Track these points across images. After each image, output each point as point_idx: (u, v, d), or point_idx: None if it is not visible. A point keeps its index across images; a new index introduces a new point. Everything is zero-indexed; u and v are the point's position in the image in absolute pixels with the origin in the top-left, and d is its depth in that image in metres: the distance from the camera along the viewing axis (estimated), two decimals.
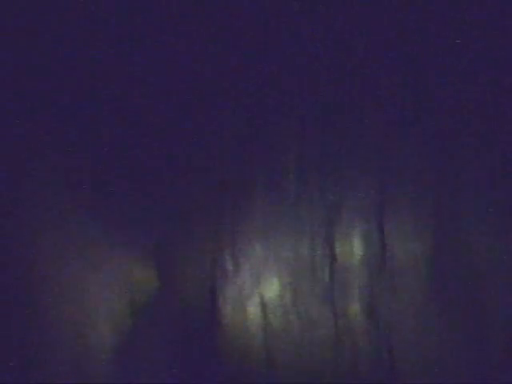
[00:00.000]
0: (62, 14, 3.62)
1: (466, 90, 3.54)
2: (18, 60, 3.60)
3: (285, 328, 3.53)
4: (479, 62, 3.55)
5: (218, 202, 3.60)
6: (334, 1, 3.60)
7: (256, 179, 3.60)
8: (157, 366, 3.53)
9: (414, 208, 3.52)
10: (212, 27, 3.66)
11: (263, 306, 3.58)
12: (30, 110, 3.60)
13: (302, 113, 3.60)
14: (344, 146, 3.58)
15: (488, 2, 3.59)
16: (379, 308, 3.52)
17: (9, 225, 3.44)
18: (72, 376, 3.43)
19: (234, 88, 3.62)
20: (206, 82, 3.61)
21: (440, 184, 3.53)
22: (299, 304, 3.56)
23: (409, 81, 3.58)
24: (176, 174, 3.62)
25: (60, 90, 3.62)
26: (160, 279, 3.59)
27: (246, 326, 3.56)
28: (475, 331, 3.44)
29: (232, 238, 3.59)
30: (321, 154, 3.59)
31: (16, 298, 3.43)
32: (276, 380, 3.46)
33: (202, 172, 3.61)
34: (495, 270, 3.46)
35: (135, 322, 3.54)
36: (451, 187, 3.53)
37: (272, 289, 3.58)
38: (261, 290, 3.59)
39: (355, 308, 3.53)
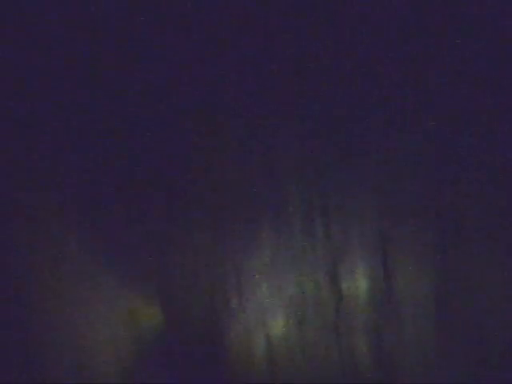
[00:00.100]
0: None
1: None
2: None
3: (291, 363, 3.56)
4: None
5: (224, 239, 3.61)
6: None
7: (262, 217, 3.62)
8: None
9: (417, 246, 3.55)
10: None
11: (269, 343, 3.61)
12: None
13: (307, 158, 3.62)
14: (348, 185, 3.60)
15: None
16: (384, 343, 3.55)
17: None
18: None
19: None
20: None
21: (442, 220, 3.55)
22: (305, 340, 3.58)
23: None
24: (182, 215, 3.63)
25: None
26: (164, 316, 3.61)
27: (252, 362, 3.59)
28: (478, 364, 3.47)
29: (238, 276, 3.61)
30: (326, 193, 3.61)
31: (17, 357, 3.47)
32: None
33: (208, 212, 3.62)
34: (497, 303, 3.49)
35: (139, 358, 3.57)
36: (453, 224, 3.55)
37: (278, 326, 3.61)
38: (266, 328, 3.61)
39: (360, 343, 3.56)
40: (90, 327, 3.55)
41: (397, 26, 3.60)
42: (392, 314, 3.56)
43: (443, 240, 3.54)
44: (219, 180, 3.61)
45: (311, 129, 3.61)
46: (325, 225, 3.58)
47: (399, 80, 3.60)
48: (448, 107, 3.57)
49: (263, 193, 3.60)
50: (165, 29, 3.65)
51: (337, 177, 3.58)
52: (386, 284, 3.56)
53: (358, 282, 3.57)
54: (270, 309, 3.61)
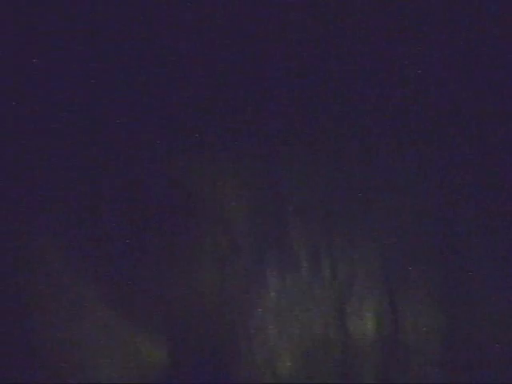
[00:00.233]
0: None
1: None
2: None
3: None
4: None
5: (229, 278, 3.59)
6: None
7: (267, 255, 3.61)
8: None
9: (425, 284, 3.56)
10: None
11: (276, 380, 3.58)
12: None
13: (314, 197, 3.63)
14: (355, 223, 3.62)
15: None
16: (391, 381, 3.54)
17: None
18: None
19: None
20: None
21: (449, 258, 3.58)
22: (312, 379, 3.56)
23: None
24: (186, 251, 3.61)
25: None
26: (171, 358, 3.54)
27: None
28: None
29: (244, 315, 3.57)
30: (332, 231, 3.62)
31: None
32: None
33: (213, 249, 3.61)
34: (508, 337, 3.50)
35: None
36: (462, 262, 3.57)
37: (285, 366, 3.57)
38: (273, 367, 3.57)
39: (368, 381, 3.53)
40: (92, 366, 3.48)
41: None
42: (400, 352, 3.53)
43: (451, 277, 3.56)
44: (224, 218, 3.59)
45: (317, 169, 3.61)
46: (331, 264, 3.58)
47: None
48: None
49: (268, 230, 3.60)
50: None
51: (343, 216, 3.60)
52: (393, 323, 3.55)
53: (365, 321, 3.56)
54: (276, 347, 3.55)
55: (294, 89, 3.60)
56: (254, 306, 3.56)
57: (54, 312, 3.49)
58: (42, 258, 3.51)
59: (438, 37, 3.61)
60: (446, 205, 3.58)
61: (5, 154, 3.56)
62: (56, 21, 3.62)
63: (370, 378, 3.52)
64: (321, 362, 3.55)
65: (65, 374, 3.43)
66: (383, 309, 3.56)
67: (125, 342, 3.52)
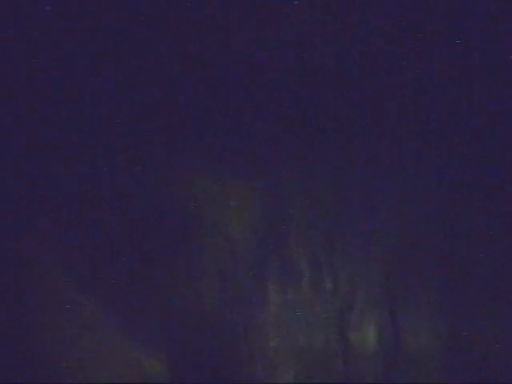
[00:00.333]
0: None
1: None
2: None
3: None
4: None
5: (232, 294, 3.57)
6: None
7: (269, 269, 3.59)
8: None
9: (424, 295, 3.55)
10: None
11: None
12: None
13: (316, 217, 3.62)
14: (356, 239, 3.60)
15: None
16: None
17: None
18: None
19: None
20: None
21: (453, 270, 3.57)
22: None
23: None
24: (189, 268, 3.59)
25: None
26: (171, 372, 3.57)
27: None
28: None
29: (246, 329, 3.56)
30: (334, 244, 3.60)
31: None
32: None
33: (217, 265, 3.60)
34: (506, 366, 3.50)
35: None
36: (465, 275, 3.56)
37: (287, 378, 3.58)
38: (276, 379, 3.58)
39: None
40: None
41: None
42: (400, 363, 3.54)
43: (451, 287, 3.55)
44: (225, 231, 3.58)
45: (318, 183, 3.60)
46: (333, 278, 3.57)
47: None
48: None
49: (271, 247, 3.59)
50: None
51: (345, 232, 3.58)
52: (394, 335, 3.55)
53: (366, 333, 3.55)
54: (279, 360, 3.56)
55: (291, 106, 3.59)
56: (255, 318, 3.55)
57: (57, 329, 3.49)
58: (44, 273, 3.50)
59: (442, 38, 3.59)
60: (447, 218, 3.56)
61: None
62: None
63: None
64: (322, 374, 3.56)
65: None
66: (384, 321, 3.55)
67: (125, 359, 3.51)
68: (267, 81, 3.61)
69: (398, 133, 3.60)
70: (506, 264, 3.51)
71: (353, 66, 3.59)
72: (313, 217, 3.58)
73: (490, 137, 3.57)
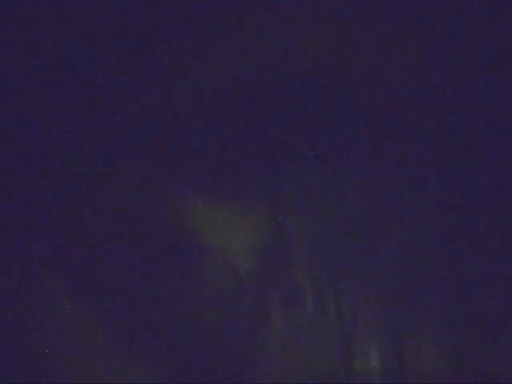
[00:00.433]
0: None
1: None
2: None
3: None
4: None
5: (233, 315, 3.60)
6: None
7: (271, 291, 3.62)
8: None
9: (430, 320, 3.56)
10: None
11: None
12: None
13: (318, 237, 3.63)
14: (360, 264, 3.62)
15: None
16: None
17: None
18: None
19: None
20: None
21: (456, 294, 3.56)
22: None
23: None
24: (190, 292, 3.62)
25: None
26: None
27: None
28: None
29: (248, 354, 3.60)
30: (337, 268, 3.62)
31: None
32: None
33: (218, 286, 3.62)
34: None
35: None
36: (469, 300, 3.56)
37: None
38: None
39: None
40: None
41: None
42: None
43: (457, 313, 3.55)
44: (228, 256, 3.61)
45: (321, 207, 3.62)
46: (337, 304, 3.59)
47: None
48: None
49: (274, 272, 3.61)
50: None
51: (349, 255, 3.60)
52: (399, 364, 3.56)
53: (371, 361, 3.56)
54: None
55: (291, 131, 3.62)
56: (259, 344, 3.57)
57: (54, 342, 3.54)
58: (38, 287, 3.55)
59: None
60: (451, 242, 3.57)
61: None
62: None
63: None
64: None
65: None
66: (388, 347, 3.56)
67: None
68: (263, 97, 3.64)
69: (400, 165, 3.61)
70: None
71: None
72: (315, 240, 3.60)
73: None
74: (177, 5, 3.65)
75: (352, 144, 3.57)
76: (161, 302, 3.52)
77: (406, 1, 3.63)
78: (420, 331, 3.50)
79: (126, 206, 3.55)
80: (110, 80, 3.62)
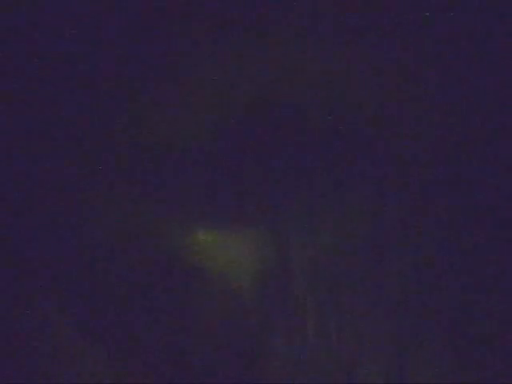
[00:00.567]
0: None
1: None
2: None
3: None
4: None
5: (235, 339, 3.61)
6: None
7: (274, 320, 3.63)
8: None
9: (431, 347, 3.57)
10: None
11: None
12: None
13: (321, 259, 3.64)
14: (362, 286, 3.61)
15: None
16: None
17: None
18: None
19: None
20: None
21: (461, 318, 3.56)
22: None
23: None
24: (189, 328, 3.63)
25: None
26: None
27: None
28: None
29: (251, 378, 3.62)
30: (340, 294, 3.62)
31: None
32: None
33: (218, 316, 3.62)
34: None
35: None
36: (474, 331, 3.56)
37: None
38: None
39: None
40: None
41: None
42: None
43: (460, 337, 3.56)
44: (229, 279, 3.62)
45: (323, 230, 3.62)
46: (338, 326, 3.59)
47: None
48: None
49: (276, 294, 3.62)
50: None
51: (351, 277, 3.60)
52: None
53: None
54: None
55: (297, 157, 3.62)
56: (261, 367, 3.59)
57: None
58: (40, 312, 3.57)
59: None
60: (455, 266, 3.57)
61: None
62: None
63: None
64: None
65: None
66: (392, 372, 3.57)
67: None
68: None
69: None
70: None
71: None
72: (317, 264, 3.60)
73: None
74: None
75: (353, 169, 3.56)
76: (161, 325, 3.54)
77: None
78: (426, 360, 3.52)
79: (127, 231, 3.57)
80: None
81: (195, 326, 3.54)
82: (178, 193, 3.57)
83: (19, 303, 3.53)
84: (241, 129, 3.61)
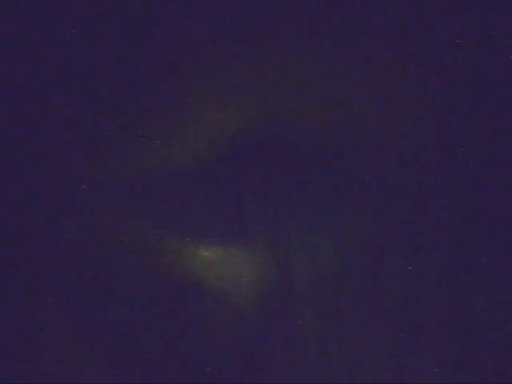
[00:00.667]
0: None
1: None
2: None
3: None
4: None
5: (235, 359, 3.60)
6: None
7: (275, 337, 3.62)
8: None
9: (433, 360, 3.56)
10: None
11: None
12: None
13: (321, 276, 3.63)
14: (363, 303, 3.61)
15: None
16: None
17: None
18: None
19: None
20: None
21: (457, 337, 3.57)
22: None
23: None
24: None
25: None
26: None
27: None
28: None
29: None
30: (342, 311, 3.61)
31: None
32: None
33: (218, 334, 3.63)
34: None
35: None
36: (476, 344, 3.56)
37: None
38: None
39: None
40: None
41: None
42: None
43: (464, 359, 3.55)
44: (230, 296, 3.62)
45: (326, 247, 3.61)
46: (340, 343, 3.59)
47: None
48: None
49: (278, 311, 3.61)
50: None
51: (353, 292, 3.59)
52: None
53: None
54: None
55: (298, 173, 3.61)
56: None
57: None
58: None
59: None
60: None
61: None
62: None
63: None
64: None
65: None
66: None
67: None
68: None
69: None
70: None
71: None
72: (319, 283, 3.60)
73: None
74: None
75: (357, 187, 3.56)
76: (160, 340, 3.53)
77: None
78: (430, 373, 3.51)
79: (126, 246, 3.55)
80: None
81: (195, 341, 3.54)
82: (178, 207, 3.57)
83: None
84: (243, 144, 3.61)
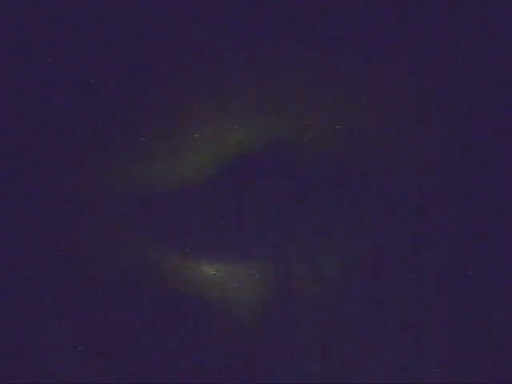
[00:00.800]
0: None
1: None
2: None
3: None
4: None
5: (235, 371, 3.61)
6: None
7: (277, 352, 3.63)
8: None
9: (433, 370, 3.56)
10: None
11: None
12: None
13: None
14: (365, 314, 3.61)
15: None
16: None
17: None
18: None
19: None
20: None
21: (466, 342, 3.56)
22: None
23: None
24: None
25: None
26: None
27: None
28: None
29: None
30: (342, 321, 3.62)
31: None
32: None
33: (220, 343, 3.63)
34: None
35: None
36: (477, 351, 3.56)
37: None
38: None
39: None
40: None
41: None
42: None
43: (465, 364, 3.55)
44: (229, 305, 3.62)
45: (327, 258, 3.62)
46: (341, 356, 3.60)
47: None
48: None
49: (280, 322, 3.62)
50: None
51: (355, 308, 3.59)
52: None
53: None
54: None
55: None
56: None
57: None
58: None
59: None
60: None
61: None
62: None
63: None
64: None
65: None
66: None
67: None
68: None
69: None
70: None
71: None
72: (321, 299, 3.60)
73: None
74: None
75: (359, 204, 3.56)
76: (163, 357, 3.54)
77: None
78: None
79: (127, 264, 3.56)
80: None
81: (197, 358, 3.54)
82: (180, 225, 3.57)
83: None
84: (243, 162, 3.61)
